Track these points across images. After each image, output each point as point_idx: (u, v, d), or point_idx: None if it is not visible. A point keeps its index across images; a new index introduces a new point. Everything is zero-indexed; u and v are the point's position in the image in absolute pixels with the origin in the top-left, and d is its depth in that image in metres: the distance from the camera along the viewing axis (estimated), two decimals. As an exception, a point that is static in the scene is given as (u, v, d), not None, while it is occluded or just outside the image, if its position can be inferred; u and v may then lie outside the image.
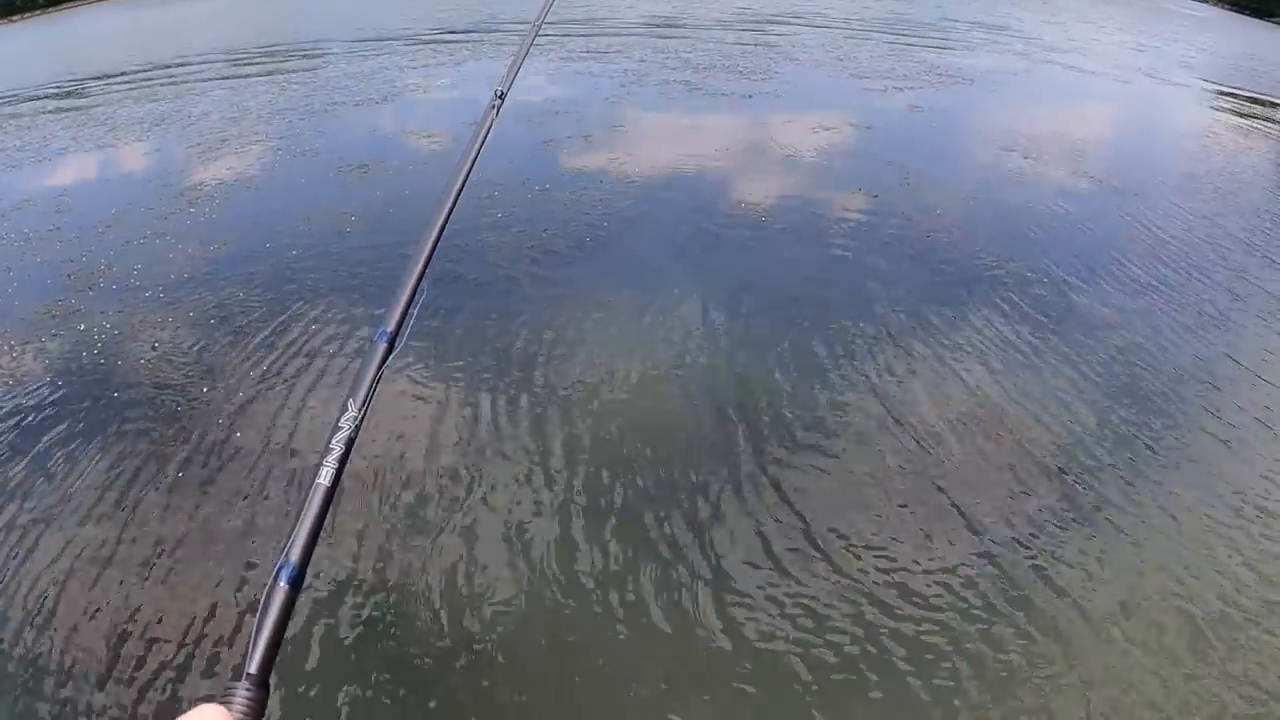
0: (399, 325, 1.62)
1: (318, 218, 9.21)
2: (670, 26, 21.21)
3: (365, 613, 4.26)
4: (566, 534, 4.73)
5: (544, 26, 4.11)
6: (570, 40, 19.12)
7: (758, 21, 21.95)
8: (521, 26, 21.73)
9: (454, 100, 14.56)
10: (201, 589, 4.46)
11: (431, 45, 19.82)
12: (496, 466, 5.27)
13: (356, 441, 1.35)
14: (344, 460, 1.31)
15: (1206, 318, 7.10)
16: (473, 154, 2.39)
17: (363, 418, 1.38)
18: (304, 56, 19.45)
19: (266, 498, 5.10)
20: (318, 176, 10.71)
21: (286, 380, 6.24)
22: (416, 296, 1.72)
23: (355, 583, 4.44)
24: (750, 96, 14.02)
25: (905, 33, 20.90)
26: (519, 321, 6.88)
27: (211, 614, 4.31)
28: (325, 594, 4.37)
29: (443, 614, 4.26)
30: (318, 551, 1.16)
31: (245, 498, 5.10)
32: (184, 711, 0.86)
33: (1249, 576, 4.41)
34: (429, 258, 1.87)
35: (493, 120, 2.76)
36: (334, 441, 1.32)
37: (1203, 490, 5.07)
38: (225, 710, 0.91)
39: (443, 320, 6.82)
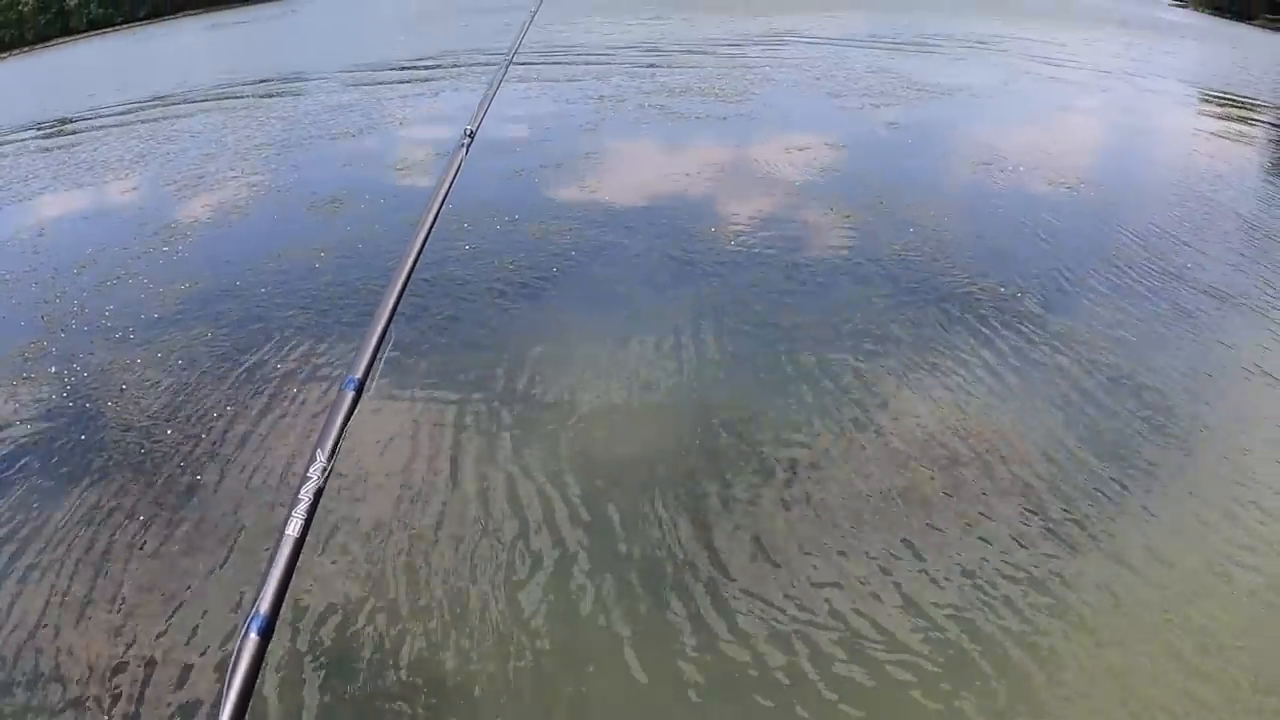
0: (367, 372, 1.62)
1: (289, 255, 9.21)
2: (648, 51, 21.26)
3: (338, 660, 4.23)
4: (540, 573, 4.70)
5: (517, 58, 4.13)
6: (546, 66, 19.16)
7: (736, 43, 22.00)
8: (497, 59, 21.77)
9: (430, 131, 14.58)
10: (168, 638, 4.42)
11: (410, 76, 19.88)
12: (464, 505, 5.25)
13: (324, 491, 1.35)
14: (312, 511, 1.31)
15: (1179, 328, 7.11)
16: (440, 196, 2.38)
17: (331, 468, 1.38)
18: (282, 90, 19.51)
19: (234, 543, 5.07)
20: (290, 212, 10.72)
21: (252, 422, 6.23)
22: (384, 343, 1.73)
23: (325, 631, 4.40)
24: (725, 119, 14.05)
25: (883, 50, 20.95)
26: (485, 356, 6.87)
27: (181, 664, 4.27)
28: (296, 643, 4.33)
29: (415, 658, 4.22)
30: (290, 600, 1.17)
31: (212, 544, 5.07)
32: None
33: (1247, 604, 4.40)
34: (395, 305, 1.87)
35: (462, 160, 2.75)
36: (302, 492, 1.32)
37: (1176, 505, 5.06)
38: None
39: (408, 356, 6.80)
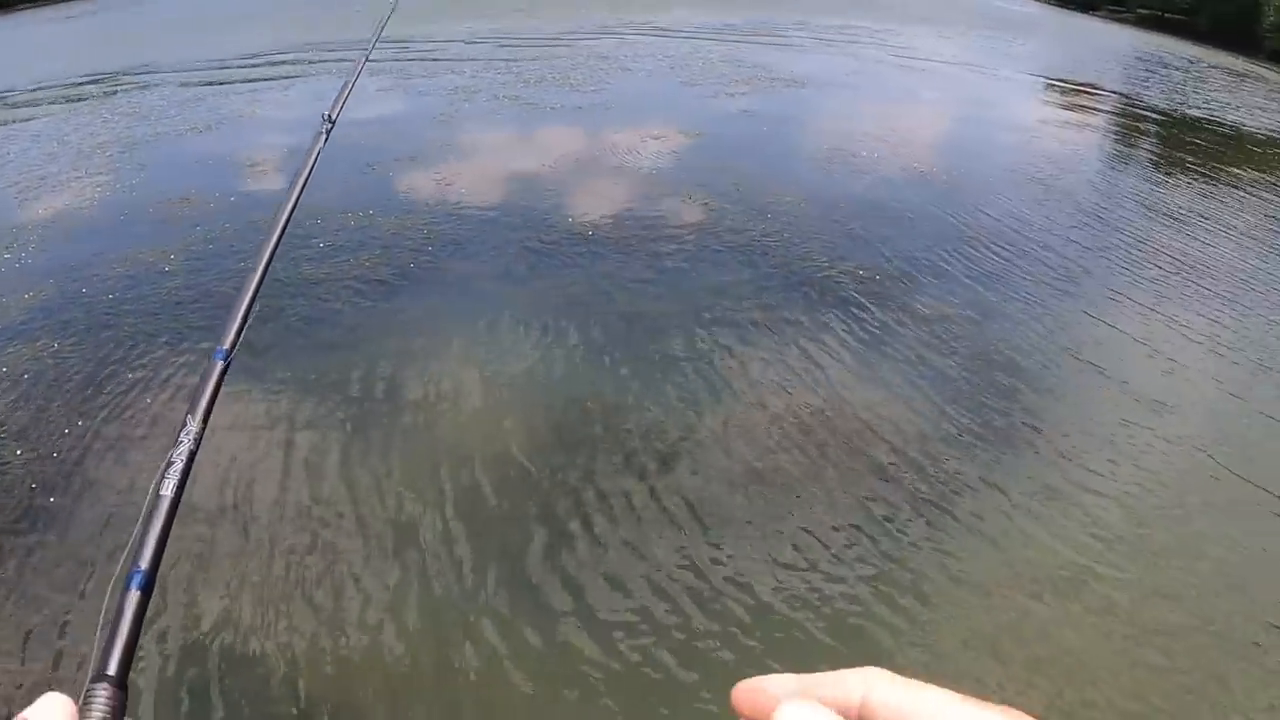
0: (234, 342, 1.65)
1: (137, 258, 8.94)
2: (503, 43, 21.17)
3: (201, 660, 4.23)
4: (404, 570, 4.77)
5: (374, 51, 4.15)
6: (400, 58, 18.91)
7: (591, 35, 22.08)
8: (353, 51, 21.43)
9: (281, 125, 14.22)
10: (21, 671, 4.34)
11: (261, 69, 19.36)
12: (331, 507, 5.28)
13: (197, 458, 1.36)
14: (186, 473, 1.31)
15: (1034, 304, 7.60)
16: (302, 180, 2.43)
17: (202, 433, 1.39)
18: (129, 84, 18.75)
19: (84, 563, 4.93)
20: (138, 213, 10.36)
21: (103, 438, 6.05)
22: (250, 313, 1.77)
23: (189, 631, 4.39)
24: (581, 109, 14.18)
25: (738, 41, 21.34)
26: (342, 357, 6.86)
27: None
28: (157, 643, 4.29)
29: (286, 656, 4.26)
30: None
31: (66, 567, 4.92)
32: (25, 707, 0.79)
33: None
34: (262, 277, 1.93)
35: (322, 146, 2.79)
36: (175, 455, 1.32)
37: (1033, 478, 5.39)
38: (70, 699, 0.80)
39: (265, 360, 6.72)
